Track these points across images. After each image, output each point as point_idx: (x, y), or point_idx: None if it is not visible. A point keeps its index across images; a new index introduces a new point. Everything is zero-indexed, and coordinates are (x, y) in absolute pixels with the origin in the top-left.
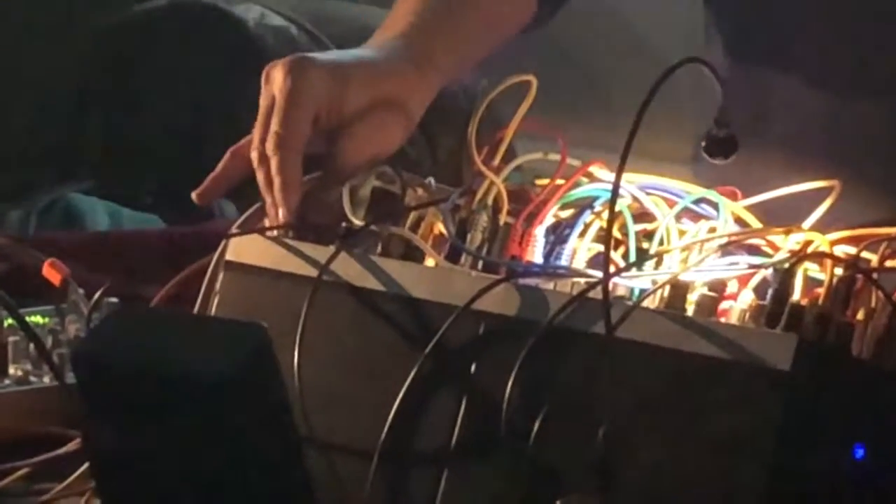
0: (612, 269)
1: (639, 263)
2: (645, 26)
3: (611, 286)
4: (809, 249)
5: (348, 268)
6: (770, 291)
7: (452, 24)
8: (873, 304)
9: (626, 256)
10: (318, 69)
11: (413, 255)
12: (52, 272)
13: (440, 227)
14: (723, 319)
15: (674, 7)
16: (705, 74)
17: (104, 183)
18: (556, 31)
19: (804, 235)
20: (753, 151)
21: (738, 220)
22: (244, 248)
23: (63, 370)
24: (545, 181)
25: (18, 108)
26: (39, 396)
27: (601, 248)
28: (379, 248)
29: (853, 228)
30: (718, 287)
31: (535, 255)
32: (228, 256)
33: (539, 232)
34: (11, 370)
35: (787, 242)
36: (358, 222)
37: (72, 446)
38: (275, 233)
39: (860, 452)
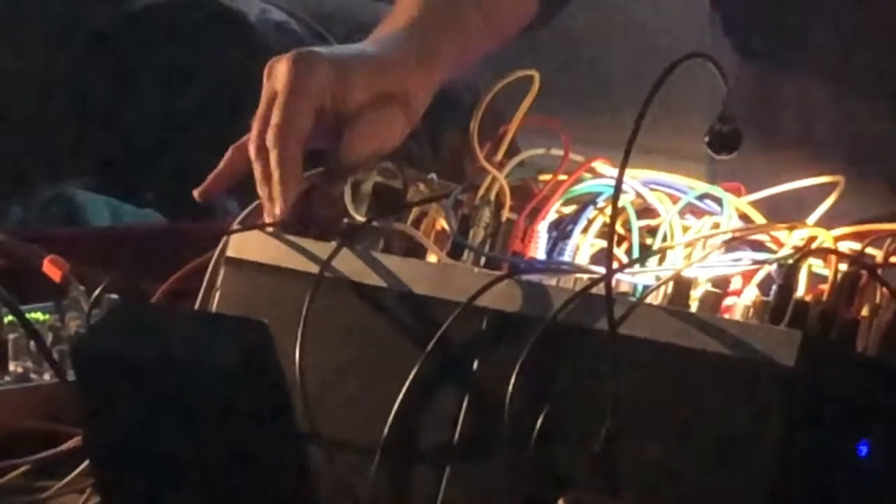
0: (615, 265)
1: (642, 259)
2: (649, 21)
3: (614, 282)
4: (814, 245)
5: (350, 264)
6: (774, 287)
7: (454, 19)
8: (878, 300)
9: (629, 252)
10: (320, 62)
11: (415, 251)
12: (52, 268)
13: (442, 223)
14: (726, 316)
15: (678, 2)
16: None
17: (105, 179)
18: (559, 26)
19: (808, 231)
20: (763, 148)
21: (742, 216)
22: (245, 245)
23: (63, 367)
24: (548, 177)
25: (19, 104)
26: (40, 393)
27: (604, 243)
28: (381, 245)
29: (858, 224)
30: (722, 283)
31: (538, 251)
32: (229, 253)
33: (542, 228)
34: (11, 367)
35: (792, 238)
36: (360, 218)
37: (72, 443)
38: (275, 229)
39: (864, 449)
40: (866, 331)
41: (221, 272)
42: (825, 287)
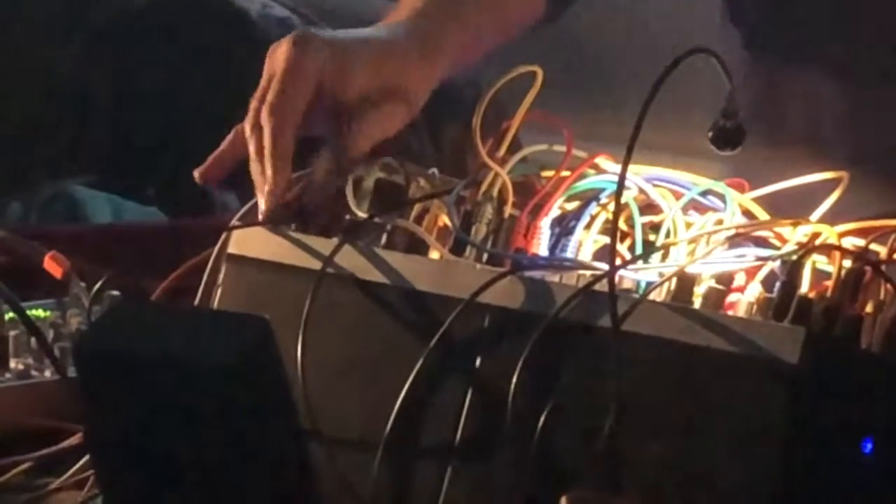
0: (618, 261)
1: (645, 256)
2: (652, 18)
3: (617, 279)
4: (818, 241)
5: (352, 260)
6: (778, 284)
7: (458, 15)
8: (882, 297)
9: (632, 249)
10: (320, 44)
11: (417, 247)
12: (53, 265)
13: (445, 219)
14: (730, 312)
15: None
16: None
17: (106, 176)
18: (563, 21)
19: (812, 227)
20: (768, 144)
21: (746, 212)
22: (246, 241)
23: (64, 364)
24: (551, 173)
25: (19, 101)
26: (41, 390)
27: (607, 240)
28: (383, 241)
29: (862, 220)
30: (726, 279)
31: (541, 247)
32: (230, 249)
33: (544, 224)
34: (12, 364)
35: (795, 234)
36: (362, 214)
37: (73, 440)
38: (277, 225)
39: (869, 446)
40: (870, 327)
41: (222, 269)
42: (829, 283)
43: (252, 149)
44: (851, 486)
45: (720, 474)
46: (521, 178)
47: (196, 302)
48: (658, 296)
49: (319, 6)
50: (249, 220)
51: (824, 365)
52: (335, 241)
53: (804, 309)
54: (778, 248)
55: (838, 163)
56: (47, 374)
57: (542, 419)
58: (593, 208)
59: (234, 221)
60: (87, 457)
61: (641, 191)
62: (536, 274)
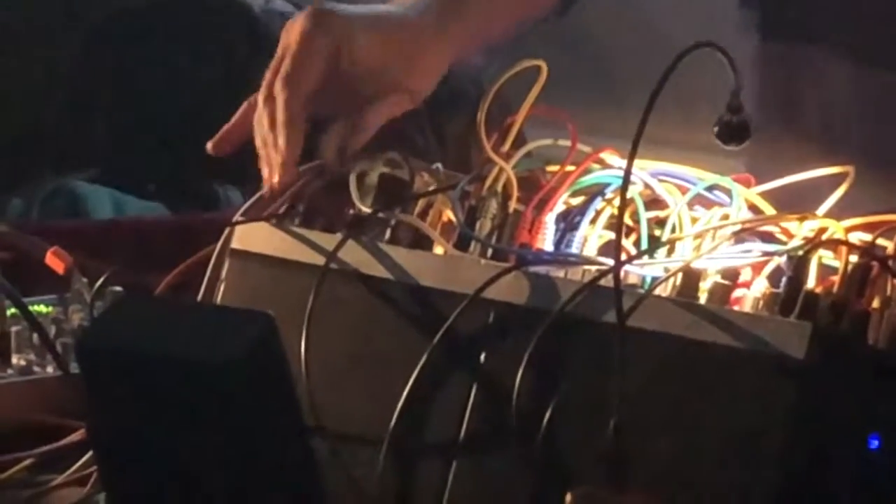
0: (623, 256)
1: (651, 251)
2: (658, 11)
3: (622, 274)
4: (824, 236)
5: (356, 255)
6: (784, 279)
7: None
8: (889, 292)
9: (637, 244)
10: (335, 18)
11: (421, 242)
12: (55, 260)
13: (449, 215)
14: (736, 307)
15: None
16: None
17: (107, 171)
18: (568, 15)
19: (819, 222)
20: (778, 136)
21: (752, 207)
22: (250, 236)
23: (67, 360)
24: (555, 168)
25: (21, 96)
26: (43, 386)
27: (612, 235)
28: (387, 236)
29: (868, 215)
30: (732, 275)
31: (546, 242)
32: (234, 244)
33: (549, 219)
34: (14, 360)
35: (802, 229)
36: (365, 209)
37: (75, 437)
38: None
39: (875, 442)
40: (877, 323)
41: (226, 264)
42: (835, 279)
43: (265, 120)
44: (857, 481)
45: (726, 470)
46: (526, 172)
47: (199, 297)
48: (663, 291)
49: (323, 0)
50: (253, 216)
51: (831, 360)
52: (339, 236)
53: (810, 304)
54: (784, 244)
55: (846, 156)
56: (49, 370)
57: (547, 415)
58: (598, 203)
59: (238, 216)
60: (89, 453)
61: (647, 186)
62: (541, 269)
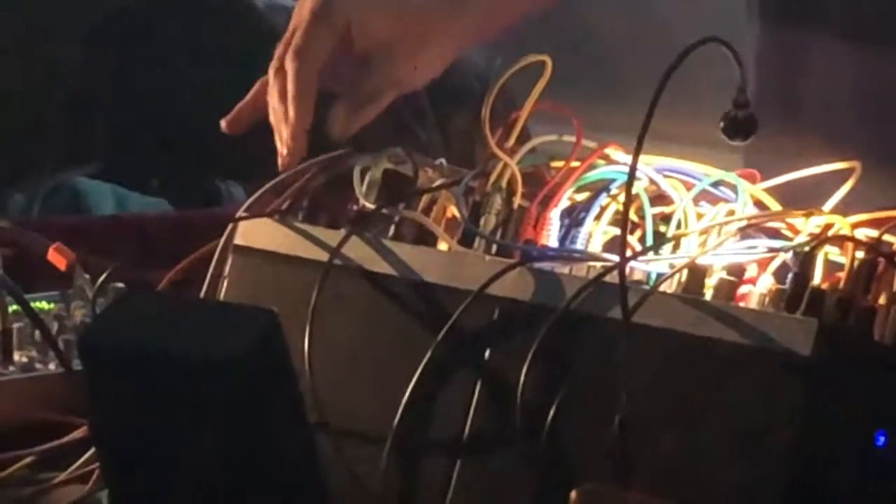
0: (628, 252)
1: (656, 247)
2: (664, 5)
3: (627, 270)
4: (830, 232)
5: (359, 252)
6: (790, 275)
7: None
8: (895, 288)
9: (642, 240)
10: None
11: (425, 238)
12: (57, 257)
13: (453, 210)
14: (742, 304)
15: None
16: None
17: (110, 167)
18: (572, 10)
19: (825, 218)
20: (782, 130)
21: (758, 203)
22: (253, 232)
23: (69, 356)
24: (560, 163)
25: (22, 91)
26: (45, 383)
27: (617, 231)
28: (391, 232)
29: (875, 211)
30: (737, 271)
31: (551, 238)
32: (237, 240)
33: (554, 215)
34: (16, 357)
35: (808, 225)
36: (369, 205)
37: (77, 434)
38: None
39: (882, 439)
40: (884, 319)
41: (229, 260)
42: (842, 275)
43: (276, 93)
44: (864, 478)
45: (732, 467)
46: (531, 168)
47: (202, 294)
48: (669, 287)
49: None
50: (256, 211)
51: (837, 357)
52: (342, 232)
53: (817, 300)
54: (790, 239)
55: (851, 151)
56: (51, 367)
57: (551, 412)
58: (603, 199)
59: (241, 212)
60: (91, 451)
61: (652, 181)
62: (546, 265)
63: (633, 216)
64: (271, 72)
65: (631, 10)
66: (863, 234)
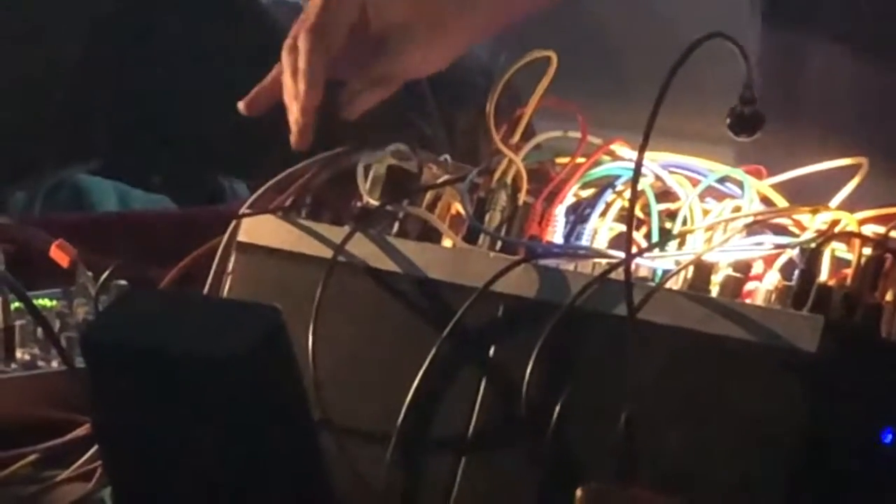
0: (634, 249)
1: (662, 244)
2: (668, 2)
3: (633, 267)
4: (837, 229)
5: (364, 248)
6: (796, 272)
7: None
8: None
9: (648, 236)
10: None
11: (430, 235)
12: (59, 254)
13: (458, 207)
14: (748, 301)
15: None
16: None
17: (112, 164)
18: (578, 7)
19: (831, 214)
20: (787, 127)
21: (764, 199)
22: (256, 229)
23: (71, 354)
24: (565, 160)
25: (23, 89)
26: (47, 381)
27: (623, 227)
28: (395, 229)
29: (882, 207)
30: (743, 267)
31: (556, 235)
32: (240, 237)
33: (559, 211)
34: (19, 354)
35: (814, 222)
36: (373, 202)
37: (80, 432)
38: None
39: (888, 436)
40: (890, 316)
41: (232, 257)
42: (848, 271)
43: (288, 70)
44: (871, 475)
45: (738, 464)
46: (536, 164)
47: (205, 291)
48: (675, 284)
49: None
50: (260, 208)
51: (843, 354)
52: (346, 228)
53: (823, 297)
54: (796, 236)
55: (858, 147)
56: (54, 364)
57: (557, 410)
58: (609, 195)
59: (244, 209)
60: (94, 448)
61: (658, 178)
62: (551, 262)
63: (638, 213)
64: (285, 50)
65: (636, 6)
66: (870, 230)
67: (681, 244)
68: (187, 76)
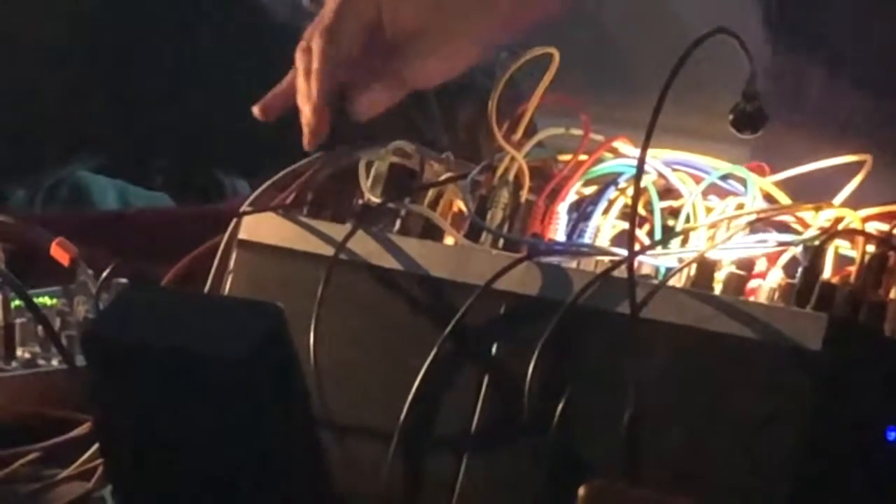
0: (637, 246)
1: (664, 241)
2: None
3: (636, 265)
4: (841, 226)
5: (365, 246)
6: (800, 269)
7: None
8: None
9: (651, 234)
10: None
11: (432, 232)
12: (60, 252)
13: (460, 204)
14: (751, 298)
15: None
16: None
17: (112, 161)
18: (580, 4)
19: (835, 212)
20: (791, 125)
21: (767, 196)
22: (258, 227)
23: (72, 352)
24: (568, 157)
25: (22, 86)
26: (48, 379)
27: (625, 225)
28: (397, 226)
29: (886, 204)
30: (746, 265)
31: (558, 232)
32: (242, 235)
33: (562, 209)
34: (19, 353)
35: (818, 219)
36: (375, 199)
37: (81, 430)
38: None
39: (893, 434)
40: (894, 313)
41: (233, 255)
42: (852, 269)
43: (301, 71)
44: (875, 474)
45: (741, 463)
46: (538, 162)
47: (206, 289)
48: (678, 282)
49: None
50: (261, 206)
51: (847, 352)
52: (348, 226)
53: (827, 295)
54: (800, 233)
55: (861, 145)
56: (54, 363)
57: (559, 407)
58: (611, 193)
59: (246, 206)
60: (95, 447)
61: (660, 175)
62: (553, 260)
63: (641, 210)
64: (299, 52)
65: (640, 2)
66: (873, 227)
67: (684, 242)
68: (186, 73)
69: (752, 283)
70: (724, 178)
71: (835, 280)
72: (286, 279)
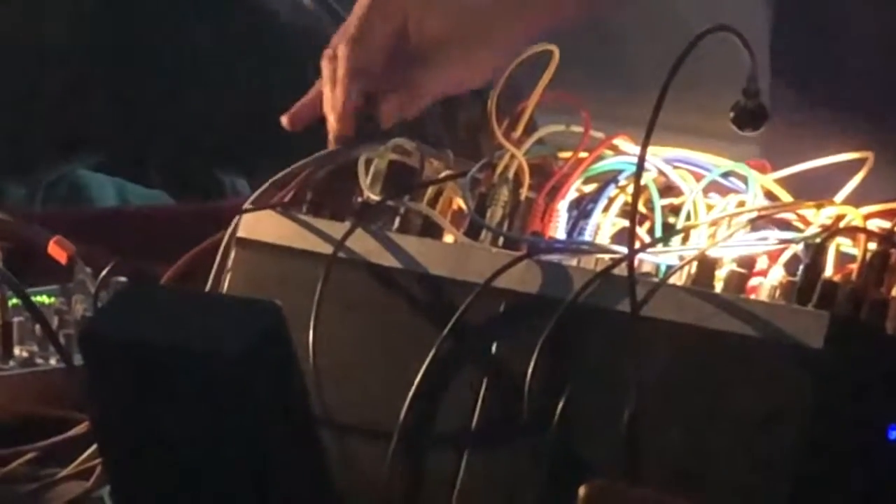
0: (637, 244)
1: (665, 239)
2: None
3: (636, 262)
4: (842, 224)
5: (365, 244)
6: (801, 267)
7: None
8: None
9: (651, 232)
10: None
11: (431, 230)
12: (58, 250)
13: (459, 202)
14: (752, 296)
15: None
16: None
17: (111, 160)
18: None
19: (837, 209)
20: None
21: (768, 194)
22: (257, 225)
23: (70, 351)
24: (568, 154)
25: (21, 84)
26: (46, 378)
27: (626, 223)
28: (396, 224)
29: (887, 202)
30: (748, 263)
31: (558, 230)
32: (241, 233)
33: (562, 206)
34: (17, 351)
35: (819, 216)
36: (374, 197)
37: (79, 429)
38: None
39: (894, 433)
40: None
41: (232, 253)
42: (854, 267)
43: (326, 79)
44: (876, 473)
45: (742, 461)
46: (538, 159)
47: (206, 287)
48: (678, 280)
49: None
50: (261, 204)
51: (849, 350)
52: (347, 224)
53: (828, 293)
54: (801, 231)
55: (865, 142)
56: (52, 361)
57: (559, 406)
58: (612, 190)
59: (246, 205)
60: (93, 447)
61: (661, 172)
62: (553, 258)
63: (641, 208)
64: (324, 60)
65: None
66: (875, 225)
67: (684, 239)
68: (187, 71)
69: (753, 281)
70: (725, 175)
71: (836, 278)
72: (285, 277)
